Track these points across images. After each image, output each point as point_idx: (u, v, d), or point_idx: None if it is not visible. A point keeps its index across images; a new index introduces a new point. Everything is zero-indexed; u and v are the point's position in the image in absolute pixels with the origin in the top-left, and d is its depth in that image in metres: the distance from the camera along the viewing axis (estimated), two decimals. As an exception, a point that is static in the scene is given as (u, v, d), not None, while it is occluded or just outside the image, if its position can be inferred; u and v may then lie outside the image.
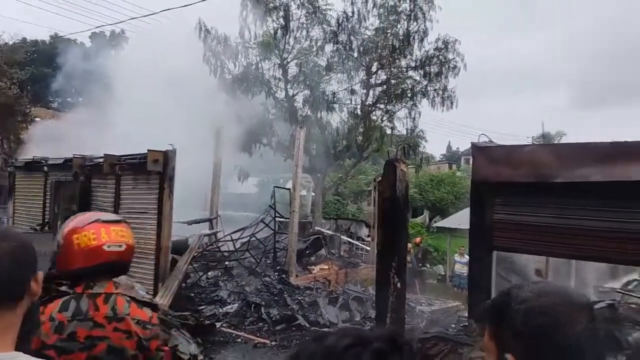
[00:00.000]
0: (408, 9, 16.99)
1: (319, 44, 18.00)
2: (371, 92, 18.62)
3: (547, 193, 5.44)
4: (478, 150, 6.02)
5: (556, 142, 27.28)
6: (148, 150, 8.65)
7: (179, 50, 17.37)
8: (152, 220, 8.60)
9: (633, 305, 9.83)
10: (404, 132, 18.94)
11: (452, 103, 16.97)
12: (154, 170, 8.59)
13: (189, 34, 16.74)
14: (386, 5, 17.35)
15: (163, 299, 7.69)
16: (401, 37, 17.32)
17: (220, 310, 9.24)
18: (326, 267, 12.22)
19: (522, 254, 9.73)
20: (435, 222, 24.18)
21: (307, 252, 12.55)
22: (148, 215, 8.69)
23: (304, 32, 18.16)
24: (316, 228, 14.82)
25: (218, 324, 8.53)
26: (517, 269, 12.24)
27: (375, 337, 0.87)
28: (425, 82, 17.71)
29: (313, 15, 17.88)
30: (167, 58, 17.78)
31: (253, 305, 9.42)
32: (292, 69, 18.47)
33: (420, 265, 15.61)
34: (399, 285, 4.79)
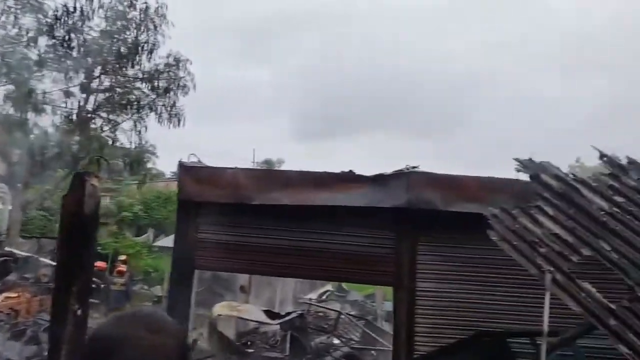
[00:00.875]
0: (138, 18, 16.31)
1: (30, 34, 15.61)
2: (92, 98, 17.06)
3: (246, 214, 5.79)
4: (185, 169, 6.03)
5: (276, 168, 30.04)
6: None
7: None
8: None
9: (320, 314, 11.43)
10: (130, 145, 17.90)
11: (179, 121, 16.89)
12: None
13: None
14: (115, 8, 16.28)
15: None
16: (130, 45, 16.47)
17: None
18: (14, 295, 10.33)
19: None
20: (159, 240, 23.46)
21: (-11, 277, 10.39)
22: None
23: (12, 18, 15.51)
24: (6, 249, 12.46)
25: None
26: (231, 286, 12.80)
27: None
28: (154, 96, 17.19)
29: (25, 1, 15.45)
30: None
31: None
32: (-9, 57, 15.48)
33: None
34: (79, 312, 4.28)
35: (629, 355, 3.40)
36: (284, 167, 29.83)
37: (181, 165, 5.96)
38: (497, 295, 5.14)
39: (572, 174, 4.38)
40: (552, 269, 3.77)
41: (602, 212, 3.83)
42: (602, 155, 4.10)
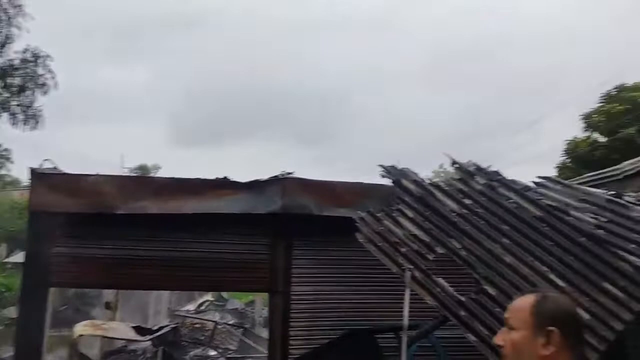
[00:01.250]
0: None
1: None
2: None
3: (110, 224, 5.37)
4: (37, 177, 5.43)
5: (152, 174, 28.59)
6: None
7: None
8: None
9: (197, 325, 11.04)
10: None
11: (37, 122, 15.27)
12: None
13: None
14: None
15: None
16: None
17: None
18: None
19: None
20: (13, 256, 20.91)
21: None
22: None
23: None
24: None
25: None
26: (98, 302, 11.82)
27: None
28: (7, 95, 15.35)
29: None
30: None
31: None
32: None
33: None
34: None
35: (476, 342, 3.77)
36: (160, 174, 28.46)
37: (33, 171, 5.36)
38: (366, 295, 5.38)
39: (429, 179, 4.77)
40: (411, 267, 4.05)
41: (454, 214, 4.21)
42: (453, 162, 4.51)
